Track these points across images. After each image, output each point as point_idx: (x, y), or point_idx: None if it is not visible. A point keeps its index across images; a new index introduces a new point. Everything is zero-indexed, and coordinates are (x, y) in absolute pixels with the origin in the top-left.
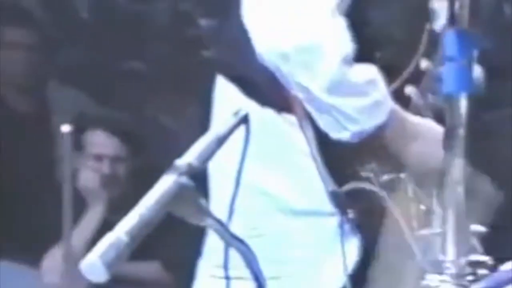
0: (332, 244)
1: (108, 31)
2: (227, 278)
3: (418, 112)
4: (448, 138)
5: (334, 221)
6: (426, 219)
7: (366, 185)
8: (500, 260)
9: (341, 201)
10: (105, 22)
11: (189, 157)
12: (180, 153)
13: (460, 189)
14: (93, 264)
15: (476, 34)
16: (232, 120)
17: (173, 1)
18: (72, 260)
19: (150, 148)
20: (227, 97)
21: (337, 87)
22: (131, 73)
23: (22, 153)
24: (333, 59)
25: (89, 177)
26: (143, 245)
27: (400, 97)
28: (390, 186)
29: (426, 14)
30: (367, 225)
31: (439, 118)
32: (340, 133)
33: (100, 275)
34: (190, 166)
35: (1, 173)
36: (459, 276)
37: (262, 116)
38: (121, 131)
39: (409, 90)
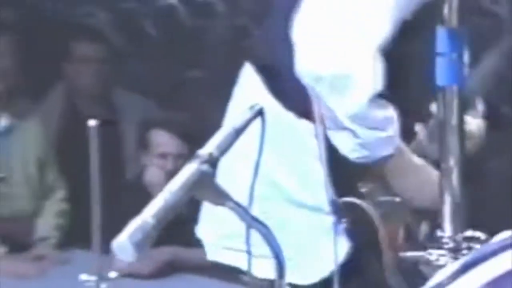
0: (324, 237)
1: (171, 45)
2: (249, 253)
3: (419, 148)
4: (440, 128)
5: (330, 219)
6: (409, 241)
7: (362, 202)
8: (493, 235)
9: (338, 210)
10: (169, 37)
11: (210, 147)
12: None
13: (455, 173)
14: (123, 245)
15: (464, 31)
16: (248, 114)
17: (230, 17)
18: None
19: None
20: (254, 96)
21: (361, 118)
22: (192, 81)
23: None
24: (364, 94)
25: (154, 174)
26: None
27: (406, 131)
28: (384, 206)
29: None
30: (357, 234)
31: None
32: (350, 153)
33: (129, 255)
34: (210, 155)
35: (77, 173)
36: (456, 250)
37: (284, 118)
38: (183, 132)
39: (418, 128)
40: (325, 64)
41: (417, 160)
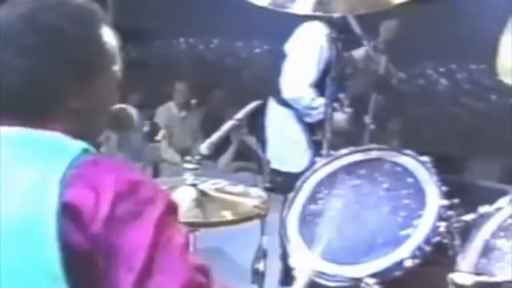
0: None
1: None
2: None
3: None
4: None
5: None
6: None
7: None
8: None
9: (309, 143)
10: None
11: (239, 115)
12: None
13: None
14: (203, 147)
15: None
16: (253, 105)
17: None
18: None
19: None
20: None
21: (307, 108)
22: None
23: None
24: (305, 101)
25: None
26: None
27: None
28: None
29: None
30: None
31: None
32: (307, 119)
33: (204, 151)
34: (239, 119)
35: None
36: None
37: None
38: None
39: None
40: (290, 93)
41: None
